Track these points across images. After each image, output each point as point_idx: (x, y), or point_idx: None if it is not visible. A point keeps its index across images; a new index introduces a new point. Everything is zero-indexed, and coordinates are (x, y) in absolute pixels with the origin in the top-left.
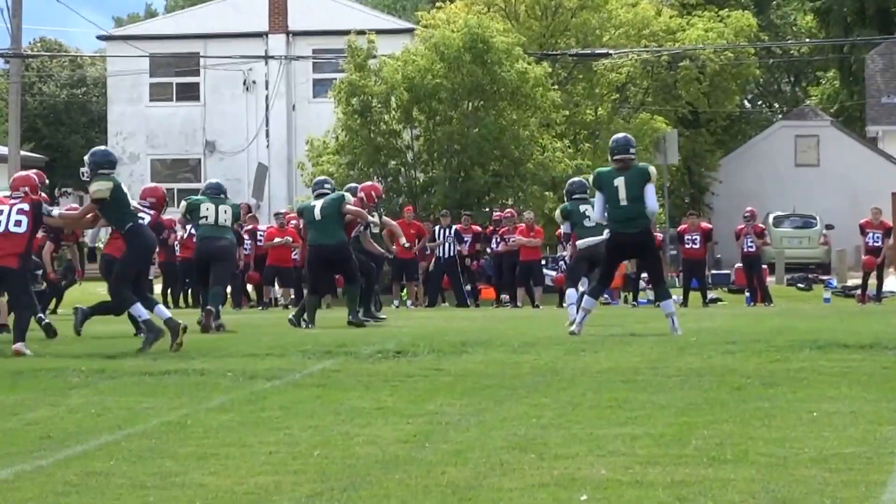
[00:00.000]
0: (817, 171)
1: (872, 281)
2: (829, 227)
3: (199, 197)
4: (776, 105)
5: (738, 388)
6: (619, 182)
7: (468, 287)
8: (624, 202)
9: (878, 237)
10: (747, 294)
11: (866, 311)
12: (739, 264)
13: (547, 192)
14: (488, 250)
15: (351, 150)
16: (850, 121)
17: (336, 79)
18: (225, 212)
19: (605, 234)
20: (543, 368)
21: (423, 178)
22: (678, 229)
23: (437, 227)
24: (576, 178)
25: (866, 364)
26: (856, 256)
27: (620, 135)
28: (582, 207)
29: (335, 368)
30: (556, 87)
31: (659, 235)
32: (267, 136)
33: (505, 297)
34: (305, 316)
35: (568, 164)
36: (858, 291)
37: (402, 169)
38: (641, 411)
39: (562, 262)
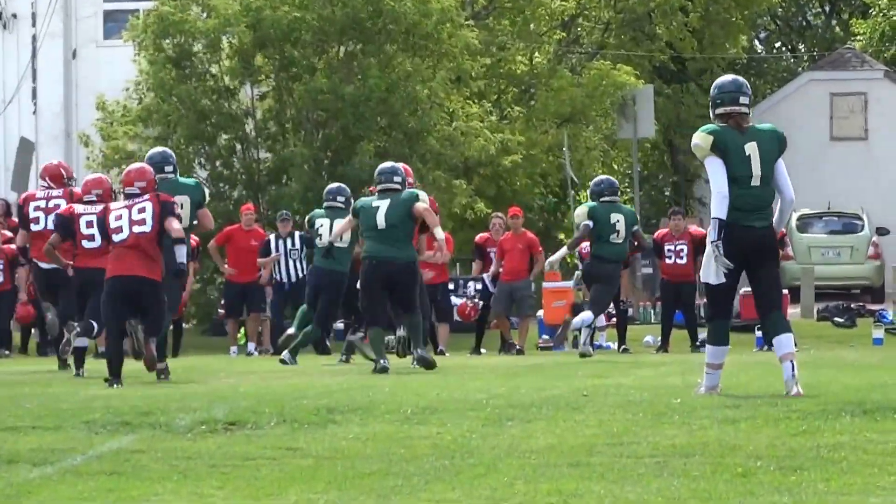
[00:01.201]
0: (864, 147)
1: None
2: (882, 231)
3: None
4: (802, 47)
5: (744, 474)
6: (751, 149)
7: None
8: (756, 182)
9: None
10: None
11: None
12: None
13: (457, 181)
14: None
15: (162, 119)
16: None
17: (138, 10)
18: None
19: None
20: (451, 447)
21: (272, 160)
22: (655, 236)
23: (272, 237)
24: (604, 176)
25: None
26: None
27: (728, 77)
28: (614, 217)
29: (136, 448)
30: (471, 22)
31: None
32: (34, 96)
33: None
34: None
35: (489, 137)
36: None
37: (239, 146)
38: None
39: (476, 285)
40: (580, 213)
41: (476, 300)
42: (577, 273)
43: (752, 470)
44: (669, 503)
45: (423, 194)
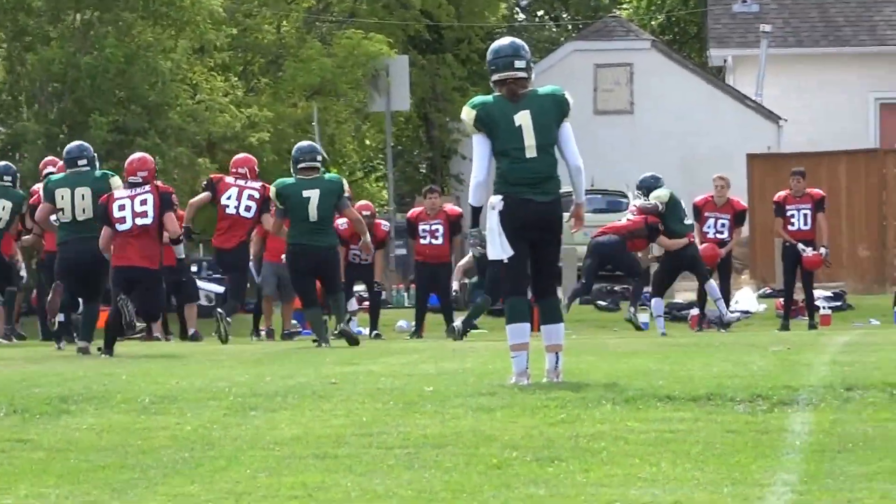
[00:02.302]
0: (630, 120)
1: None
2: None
3: None
4: (566, 16)
5: (498, 465)
6: (523, 118)
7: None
8: (531, 153)
9: (723, 224)
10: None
11: (704, 343)
12: None
13: (202, 159)
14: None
15: None
16: (684, 42)
17: None
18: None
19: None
20: (191, 438)
21: (4, 135)
22: (409, 215)
23: None
24: (306, 142)
25: (701, 426)
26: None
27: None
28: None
29: None
30: None
31: (384, 225)
32: None
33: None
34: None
35: (235, 113)
36: (693, 311)
37: None
38: None
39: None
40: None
41: None
42: None
43: (508, 461)
44: (420, 496)
45: (344, 182)
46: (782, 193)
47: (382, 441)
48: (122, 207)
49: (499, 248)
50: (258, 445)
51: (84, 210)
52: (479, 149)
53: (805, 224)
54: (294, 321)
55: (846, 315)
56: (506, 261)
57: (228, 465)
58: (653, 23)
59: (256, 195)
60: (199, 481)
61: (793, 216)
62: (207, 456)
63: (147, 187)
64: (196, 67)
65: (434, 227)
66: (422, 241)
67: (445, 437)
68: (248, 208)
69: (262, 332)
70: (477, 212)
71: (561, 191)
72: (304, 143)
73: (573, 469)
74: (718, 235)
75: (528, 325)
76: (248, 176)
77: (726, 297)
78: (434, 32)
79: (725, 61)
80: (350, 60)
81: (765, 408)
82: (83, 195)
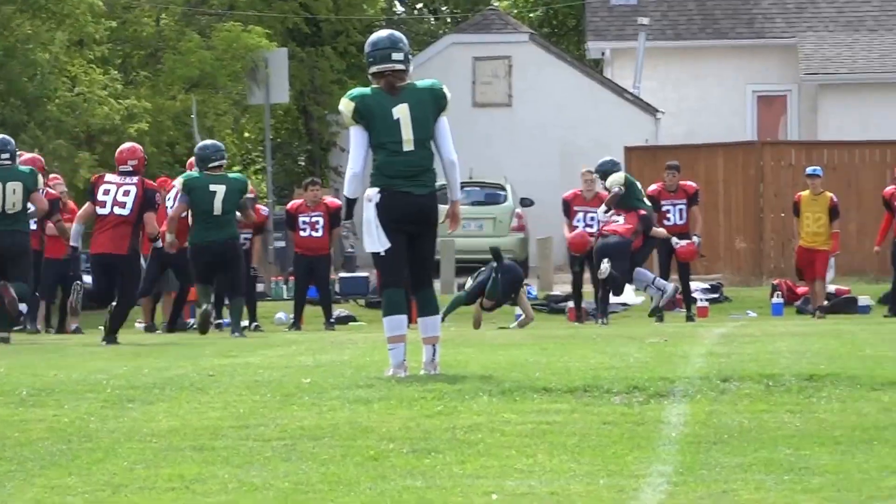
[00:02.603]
0: (509, 113)
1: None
2: (526, 202)
3: None
4: (445, 9)
5: (375, 457)
6: (401, 112)
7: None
8: (409, 147)
9: (592, 218)
10: None
11: (581, 335)
12: None
13: (83, 153)
14: None
15: None
16: (562, 34)
17: None
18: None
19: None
20: (68, 430)
21: None
22: (289, 207)
23: None
24: (210, 141)
25: (577, 418)
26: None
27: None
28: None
29: None
30: None
31: (263, 210)
32: None
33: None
34: None
35: (115, 105)
36: (570, 304)
37: None
38: (223, 497)
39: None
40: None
41: None
42: None
43: (385, 453)
44: (297, 488)
45: (249, 182)
46: (655, 187)
47: (260, 433)
48: (106, 192)
49: (375, 240)
50: (135, 437)
51: (14, 204)
52: (356, 141)
53: (680, 219)
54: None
55: (723, 307)
56: (382, 253)
57: (105, 457)
58: (531, 15)
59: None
60: (76, 473)
61: (668, 211)
62: (84, 448)
63: (135, 179)
64: (75, 60)
65: (314, 220)
66: (301, 233)
67: (322, 429)
68: (122, 205)
69: (141, 325)
70: (352, 203)
71: (438, 184)
72: (210, 141)
73: (450, 461)
74: (588, 229)
75: (404, 317)
76: (137, 169)
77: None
78: (313, 25)
79: (603, 54)
80: (229, 53)
81: (641, 399)
82: (14, 189)
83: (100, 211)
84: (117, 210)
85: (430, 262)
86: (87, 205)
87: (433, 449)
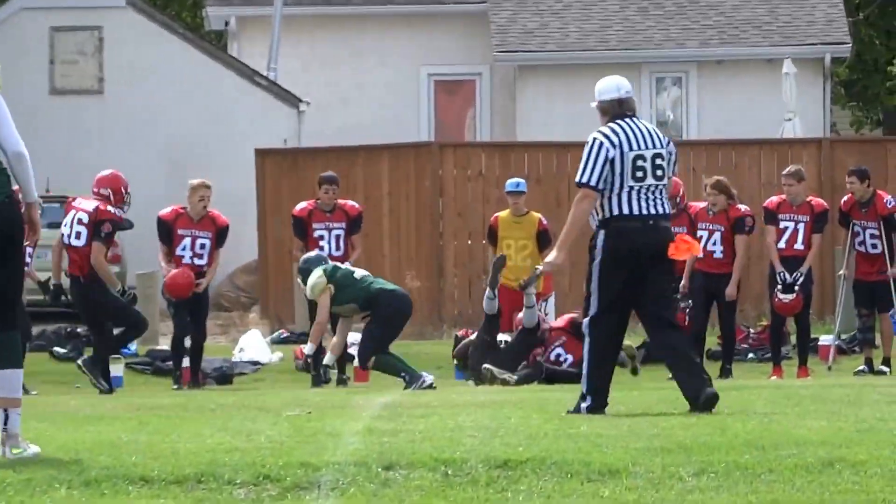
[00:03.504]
0: (100, 103)
1: None
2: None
3: None
4: None
5: None
6: None
7: None
8: None
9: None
10: None
11: (195, 405)
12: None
13: None
14: None
15: None
16: None
17: None
18: None
19: None
20: None
21: None
22: None
23: None
24: None
25: None
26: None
27: None
28: None
29: None
30: None
31: None
32: None
33: None
34: None
35: None
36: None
37: None
38: None
39: None
40: None
41: None
42: None
43: None
44: None
45: None
46: (304, 205)
47: None
48: (70, 216)
49: None
50: None
51: None
52: None
53: (337, 249)
54: None
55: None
56: None
57: None
58: None
59: (86, 219)
60: None
61: (322, 237)
62: None
63: (94, 207)
64: None
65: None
66: None
67: None
68: (77, 234)
69: None
70: None
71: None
72: None
73: None
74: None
75: None
76: (112, 199)
77: None
78: None
79: (227, 24)
80: None
81: (274, 493)
82: None
83: None
84: None
85: (10, 292)
86: None
87: None
